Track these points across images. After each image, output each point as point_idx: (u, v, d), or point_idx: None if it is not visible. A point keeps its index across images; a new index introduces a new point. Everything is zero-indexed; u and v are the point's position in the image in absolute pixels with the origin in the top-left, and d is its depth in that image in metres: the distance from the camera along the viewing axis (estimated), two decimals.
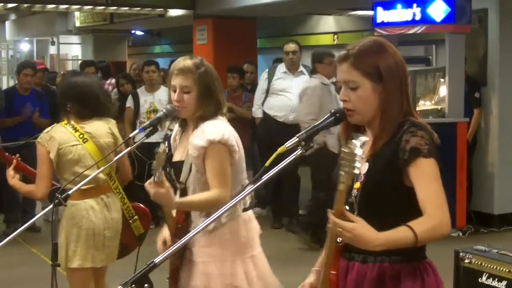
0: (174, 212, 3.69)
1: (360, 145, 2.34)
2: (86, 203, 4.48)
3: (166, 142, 3.57)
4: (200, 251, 3.69)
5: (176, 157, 3.80)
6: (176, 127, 3.88)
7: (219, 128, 3.62)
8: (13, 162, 4.53)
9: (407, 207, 2.56)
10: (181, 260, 3.74)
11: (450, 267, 4.44)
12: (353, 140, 2.35)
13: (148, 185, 3.30)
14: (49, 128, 4.56)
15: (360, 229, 2.39)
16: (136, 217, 4.73)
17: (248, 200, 3.80)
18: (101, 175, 4.51)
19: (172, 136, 3.89)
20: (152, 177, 3.27)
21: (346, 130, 2.81)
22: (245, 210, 3.78)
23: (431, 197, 2.51)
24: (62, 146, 4.46)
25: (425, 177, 2.54)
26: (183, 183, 3.70)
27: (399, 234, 2.45)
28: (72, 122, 4.54)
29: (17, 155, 4.62)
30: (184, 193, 3.69)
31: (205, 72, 3.66)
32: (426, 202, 2.51)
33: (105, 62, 12.68)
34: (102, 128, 4.60)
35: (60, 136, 4.49)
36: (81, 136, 4.50)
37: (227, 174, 3.60)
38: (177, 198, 3.48)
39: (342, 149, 2.36)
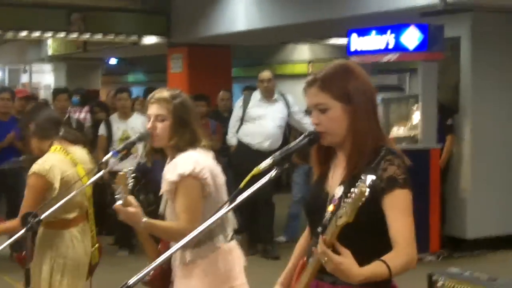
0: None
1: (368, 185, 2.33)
2: (71, 232, 4.42)
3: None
4: (179, 283, 3.68)
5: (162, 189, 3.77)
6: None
7: (190, 161, 3.58)
8: None
9: (380, 233, 2.57)
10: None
11: None
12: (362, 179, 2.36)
13: (117, 205, 3.37)
14: (44, 158, 4.37)
15: (346, 264, 2.40)
16: (97, 245, 4.64)
17: (230, 232, 3.79)
18: (85, 201, 4.50)
19: None
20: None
21: (318, 154, 2.83)
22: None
23: (403, 232, 2.55)
24: (64, 174, 4.34)
25: (399, 210, 2.57)
26: (161, 215, 3.70)
27: (378, 270, 2.47)
28: (60, 147, 4.43)
29: None
30: None
31: (181, 103, 3.66)
32: (398, 236, 2.54)
33: (83, 89, 12.70)
34: (84, 154, 4.58)
35: (60, 164, 4.36)
36: (72, 159, 4.44)
37: (197, 209, 3.55)
38: (145, 219, 3.45)
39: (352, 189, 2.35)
